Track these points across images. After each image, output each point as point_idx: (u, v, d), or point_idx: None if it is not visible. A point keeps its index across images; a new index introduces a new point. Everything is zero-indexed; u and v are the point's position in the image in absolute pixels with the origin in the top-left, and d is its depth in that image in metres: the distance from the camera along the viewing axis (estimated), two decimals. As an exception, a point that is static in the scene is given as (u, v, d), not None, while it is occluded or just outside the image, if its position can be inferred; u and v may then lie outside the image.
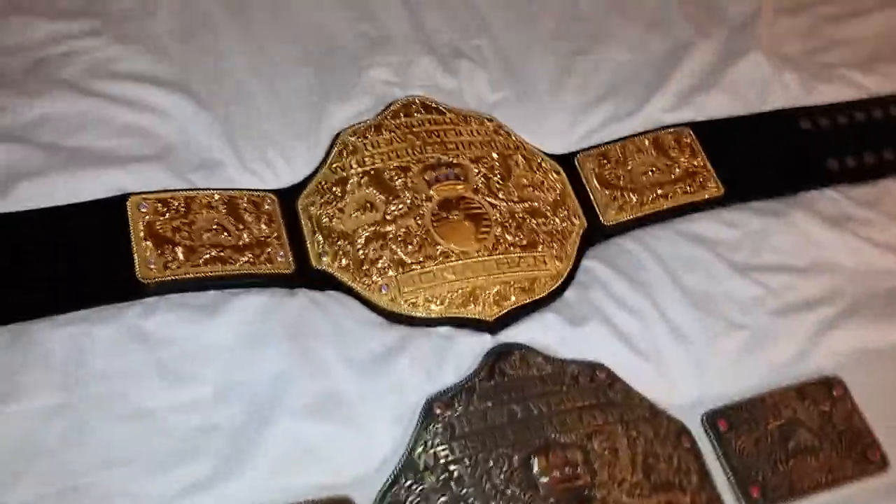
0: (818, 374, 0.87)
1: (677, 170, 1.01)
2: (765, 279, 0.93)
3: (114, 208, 0.83)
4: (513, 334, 0.86)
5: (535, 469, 0.74)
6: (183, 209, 0.85)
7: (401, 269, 0.87)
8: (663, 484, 0.77)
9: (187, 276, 0.81)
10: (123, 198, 0.84)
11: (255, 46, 1.00)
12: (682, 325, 0.88)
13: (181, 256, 0.82)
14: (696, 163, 1.02)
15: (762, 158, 1.04)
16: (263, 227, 0.87)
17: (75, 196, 0.84)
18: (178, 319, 0.79)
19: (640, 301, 0.89)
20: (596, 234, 0.96)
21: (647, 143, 1.03)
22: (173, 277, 0.80)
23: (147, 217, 0.83)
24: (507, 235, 0.91)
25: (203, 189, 0.88)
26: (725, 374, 0.86)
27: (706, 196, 0.99)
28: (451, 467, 0.74)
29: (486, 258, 0.89)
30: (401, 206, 0.90)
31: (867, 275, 0.96)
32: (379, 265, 0.87)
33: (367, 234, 0.88)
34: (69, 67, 0.93)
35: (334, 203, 0.90)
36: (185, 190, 0.87)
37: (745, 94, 1.09)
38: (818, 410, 0.84)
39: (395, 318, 0.85)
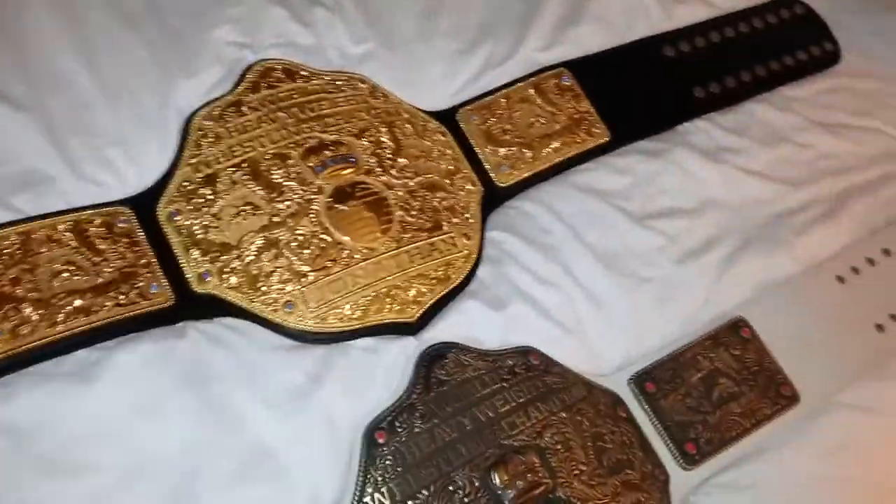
0: (724, 316, 0.89)
1: (563, 118, 0.96)
2: (661, 226, 0.93)
3: (-79, 266, 0.64)
4: (437, 332, 0.79)
5: (497, 483, 0.70)
6: (19, 251, 0.67)
7: (303, 280, 0.75)
8: (614, 465, 0.76)
9: (46, 339, 0.65)
10: (-69, 249, 0.65)
11: (67, 16, 0.78)
12: (596, 289, 0.86)
13: (34, 317, 0.65)
14: (580, 108, 0.97)
15: (637, 95, 1.02)
16: (124, 252, 0.72)
17: None
18: (47, 398, 0.63)
19: (553, 269, 0.86)
20: (492, 197, 0.90)
21: (531, 91, 0.96)
22: (28, 346, 0.64)
23: (-28, 271, 0.65)
24: (409, 218, 0.82)
25: (37, 218, 0.69)
26: (641, 332, 0.86)
27: (595, 143, 0.96)
28: (410, 503, 0.68)
29: (396, 252, 0.80)
30: (288, 204, 0.78)
31: (748, 206, 0.98)
32: (276, 278, 0.75)
33: (255, 242, 0.75)
34: None
35: (205, 208, 0.76)
36: (16, 223, 0.68)
37: (613, 22, 1.05)
38: (731, 355, 0.86)
39: (306, 337, 0.75)
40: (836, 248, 0.98)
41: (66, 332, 0.66)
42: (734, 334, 0.87)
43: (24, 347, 0.64)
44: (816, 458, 0.82)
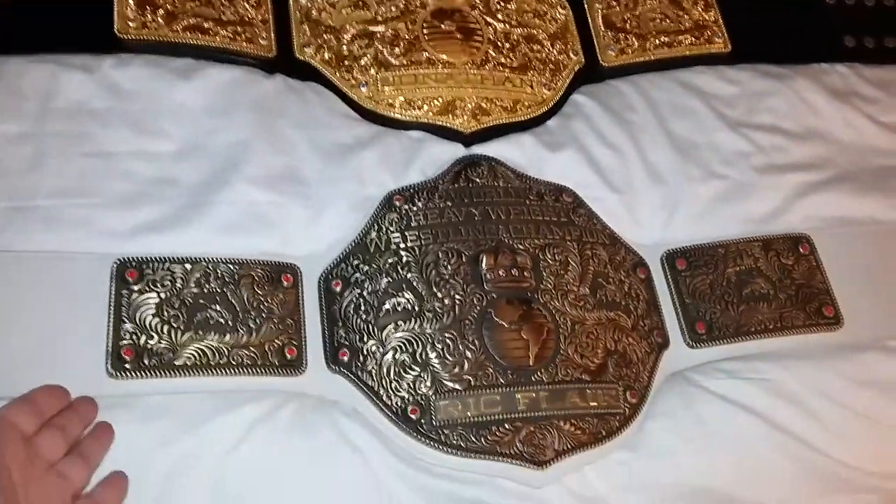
0: (789, 232, 0.85)
1: (687, 21, 0.97)
2: (755, 137, 0.91)
3: (101, -37, 0.83)
4: (485, 149, 0.84)
5: (483, 266, 0.74)
6: (169, -25, 0.84)
7: (383, 69, 0.85)
8: (609, 303, 0.76)
9: (164, 38, 0.81)
10: (112, -47, 0.83)
11: None
12: (660, 166, 0.86)
13: (161, 19, 0.81)
14: (707, 17, 0.98)
15: (777, 24, 1.00)
16: (250, 8, 0.86)
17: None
18: (150, 76, 0.78)
19: (623, 139, 0.87)
20: (592, 73, 0.94)
21: (662, -10, 0.99)
22: (150, 38, 0.80)
23: (133, -24, 0.82)
24: (498, 55, 0.89)
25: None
26: (694, 221, 0.85)
27: (711, 50, 0.96)
28: (401, 253, 0.74)
29: (472, 72, 0.87)
30: (393, 9, 0.88)
31: (861, 150, 0.93)
32: (362, 62, 0.85)
33: (354, 30, 0.87)
34: None
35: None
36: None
37: (776, -41, 1.04)
38: (780, 263, 0.82)
39: (369, 115, 0.84)
40: (952, 217, 0.89)
41: (182, 40, 0.81)
42: (791, 246, 0.84)
43: (147, 37, 0.80)
44: (844, 383, 0.76)
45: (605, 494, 0.68)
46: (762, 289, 0.81)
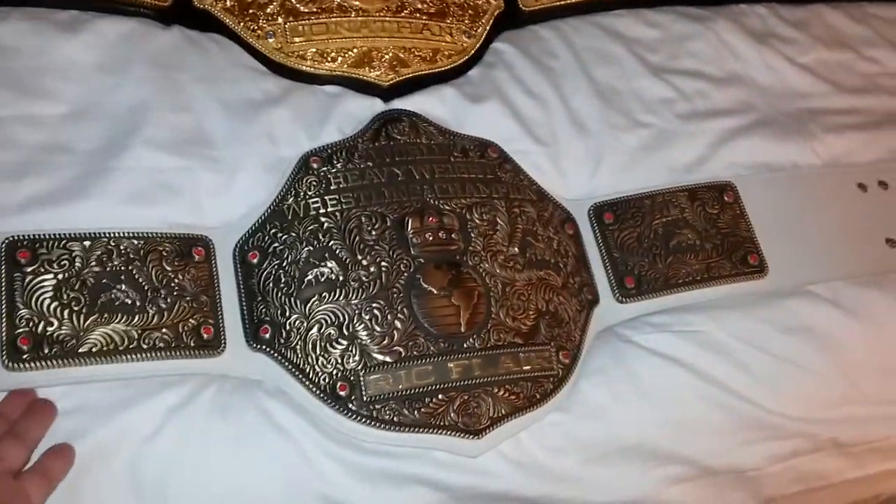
0: (714, 180, 0.85)
1: (606, -38, 0.94)
2: (677, 82, 0.89)
3: None
4: (406, 104, 0.80)
5: (409, 229, 0.71)
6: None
7: (292, 18, 0.79)
8: (539, 262, 0.75)
9: (44, -14, 0.72)
10: None
11: None
12: (584, 116, 0.84)
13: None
14: (626, -43, 0.95)
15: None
16: (141, -48, 0.78)
17: None
18: (32, 31, 0.71)
19: (545, 87, 0.85)
20: (512, 18, 0.90)
21: (577, -70, 0.95)
22: (28, -12, 0.72)
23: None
24: (414, 0, 0.84)
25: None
26: (620, 170, 0.84)
27: (631, -8, 0.94)
28: (322, 219, 0.70)
29: (388, 19, 0.82)
30: (298, -49, 0.82)
31: (780, 93, 0.93)
32: (268, 10, 0.79)
33: (258, -25, 0.80)
34: None
35: (226, -57, 0.81)
36: None
37: None
38: (706, 213, 0.82)
39: (279, 69, 0.78)
40: (868, 159, 0.91)
41: (64, -11, 0.73)
42: (716, 195, 0.83)
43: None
44: (770, 331, 0.77)
45: (540, 458, 0.68)
46: (689, 240, 0.80)
